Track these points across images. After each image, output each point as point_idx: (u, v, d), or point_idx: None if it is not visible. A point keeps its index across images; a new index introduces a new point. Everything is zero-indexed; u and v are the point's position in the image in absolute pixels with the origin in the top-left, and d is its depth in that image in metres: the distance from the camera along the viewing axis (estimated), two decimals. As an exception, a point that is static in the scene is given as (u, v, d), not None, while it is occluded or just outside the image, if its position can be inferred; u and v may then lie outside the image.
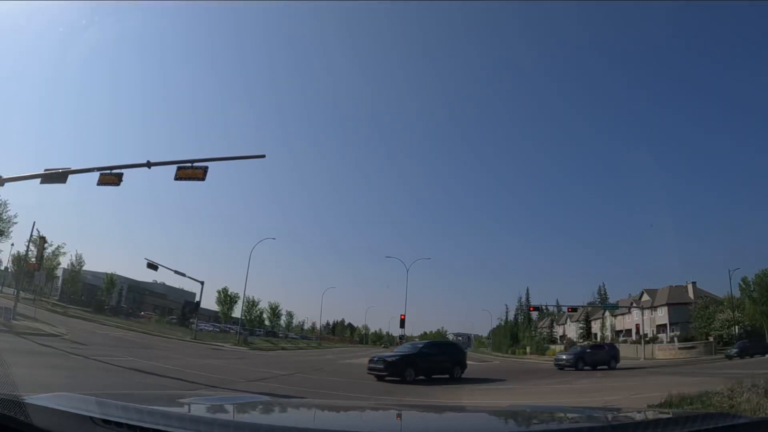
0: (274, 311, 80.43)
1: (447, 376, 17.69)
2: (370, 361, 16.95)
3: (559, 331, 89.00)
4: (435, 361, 17.71)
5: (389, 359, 16.56)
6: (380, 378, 15.83)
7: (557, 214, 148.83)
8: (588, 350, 28.73)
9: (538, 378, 21.04)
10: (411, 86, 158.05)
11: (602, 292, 77.96)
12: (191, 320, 52.42)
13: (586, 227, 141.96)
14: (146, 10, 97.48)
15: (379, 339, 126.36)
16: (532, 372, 26.89)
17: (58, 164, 20.37)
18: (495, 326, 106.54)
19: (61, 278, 58.13)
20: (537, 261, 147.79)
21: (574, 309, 57.59)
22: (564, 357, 28.42)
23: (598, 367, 26.44)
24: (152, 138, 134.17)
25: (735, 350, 36.85)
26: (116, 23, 75.20)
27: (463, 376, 18.24)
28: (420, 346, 18.96)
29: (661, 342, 54.43)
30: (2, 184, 17.30)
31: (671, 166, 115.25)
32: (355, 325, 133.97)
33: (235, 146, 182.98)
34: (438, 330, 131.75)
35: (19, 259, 45.42)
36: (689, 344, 47.50)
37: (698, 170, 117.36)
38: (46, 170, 17.86)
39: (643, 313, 52.82)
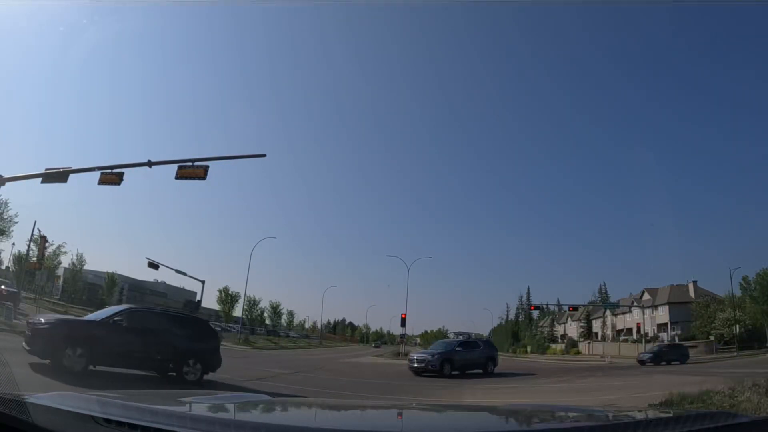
0: (275, 310, 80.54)
1: (173, 374, 10.86)
2: (29, 324, 10.42)
3: (560, 330, 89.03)
4: (139, 345, 10.36)
5: (40, 325, 9.88)
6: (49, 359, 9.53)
7: (558, 213, 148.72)
8: (458, 348, 20.79)
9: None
10: (412, 85, 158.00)
11: (603, 291, 77.96)
12: (192, 319, 52.35)
13: (587, 226, 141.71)
14: (147, 9, 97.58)
15: (380, 338, 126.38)
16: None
17: (59, 164, 20.40)
18: (496, 325, 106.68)
19: (62, 277, 58.16)
20: (538, 260, 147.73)
21: (575, 308, 57.62)
22: (417, 357, 20.12)
23: (468, 372, 19.87)
24: (153, 137, 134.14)
25: (648, 355, 32.89)
26: (117, 23, 75.06)
27: (212, 378, 11.54)
28: (116, 311, 11.15)
29: (662, 341, 54.42)
30: (3, 184, 17.34)
31: (672, 166, 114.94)
32: (356, 324, 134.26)
33: (236, 145, 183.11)
34: (439, 329, 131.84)
35: (20, 259, 45.44)
36: (690, 343, 47.41)
37: (699, 169, 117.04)
38: (46, 170, 17.90)
39: (644, 312, 52.84)
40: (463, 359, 20.20)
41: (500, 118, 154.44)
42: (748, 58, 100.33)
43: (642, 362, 32.10)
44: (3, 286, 30.34)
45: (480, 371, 20.42)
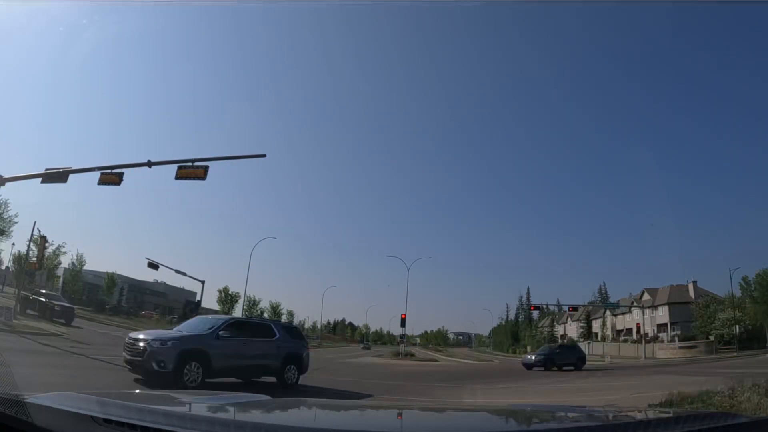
0: (275, 310, 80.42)
1: None
2: None
3: (560, 330, 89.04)
4: None
5: None
6: None
7: (559, 213, 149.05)
8: (223, 332, 11.20)
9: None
10: (412, 85, 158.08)
11: (603, 292, 78.08)
12: (192, 319, 52.29)
13: (588, 226, 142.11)
14: (147, 9, 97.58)
15: (380, 338, 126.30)
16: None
17: (59, 163, 20.41)
18: (496, 325, 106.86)
19: (61, 278, 58.15)
20: (538, 260, 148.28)
21: (575, 308, 57.63)
22: (137, 338, 10.52)
23: (254, 380, 11.87)
24: (153, 137, 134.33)
25: (537, 358, 26.33)
26: (117, 23, 75.25)
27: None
28: None
29: (662, 341, 54.44)
30: (3, 184, 17.33)
31: (672, 166, 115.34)
32: (356, 324, 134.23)
33: (236, 145, 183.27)
34: (439, 329, 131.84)
35: (19, 259, 45.41)
36: (690, 343, 47.52)
37: (699, 169, 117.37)
38: (46, 170, 17.89)
39: (643, 313, 52.82)
40: (233, 356, 11.15)
41: (500, 119, 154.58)
42: (749, 58, 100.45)
43: (528, 366, 25.67)
44: (56, 302, 28.72)
45: (273, 380, 12.19)
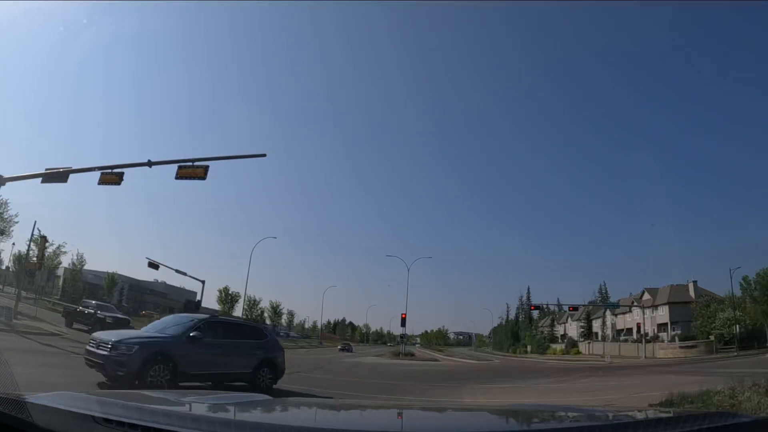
0: (276, 310, 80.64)
1: None
2: None
3: (560, 330, 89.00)
4: None
5: None
6: None
7: (559, 214, 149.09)
8: None
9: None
10: (413, 87, 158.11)
11: (603, 291, 77.93)
12: (192, 319, 52.31)
13: (588, 227, 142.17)
14: (146, 8, 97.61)
15: (380, 337, 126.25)
16: None
17: (58, 163, 20.41)
18: (496, 325, 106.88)
19: (62, 277, 58.20)
20: (538, 260, 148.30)
21: (575, 308, 57.61)
22: None
23: None
24: (152, 136, 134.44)
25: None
26: (116, 22, 75.38)
27: None
28: None
29: (662, 341, 54.42)
30: (3, 184, 17.33)
31: (672, 167, 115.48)
32: (356, 324, 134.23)
33: (233, 145, 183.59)
34: (439, 329, 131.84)
35: (20, 259, 45.45)
36: (690, 343, 47.50)
37: (699, 171, 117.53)
38: (47, 170, 17.89)
39: (644, 312, 52.80)
40: None
41: (501, 123, 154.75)
42: (746, 65, 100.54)
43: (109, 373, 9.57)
44: (108, 313, 25.94)
45: None
